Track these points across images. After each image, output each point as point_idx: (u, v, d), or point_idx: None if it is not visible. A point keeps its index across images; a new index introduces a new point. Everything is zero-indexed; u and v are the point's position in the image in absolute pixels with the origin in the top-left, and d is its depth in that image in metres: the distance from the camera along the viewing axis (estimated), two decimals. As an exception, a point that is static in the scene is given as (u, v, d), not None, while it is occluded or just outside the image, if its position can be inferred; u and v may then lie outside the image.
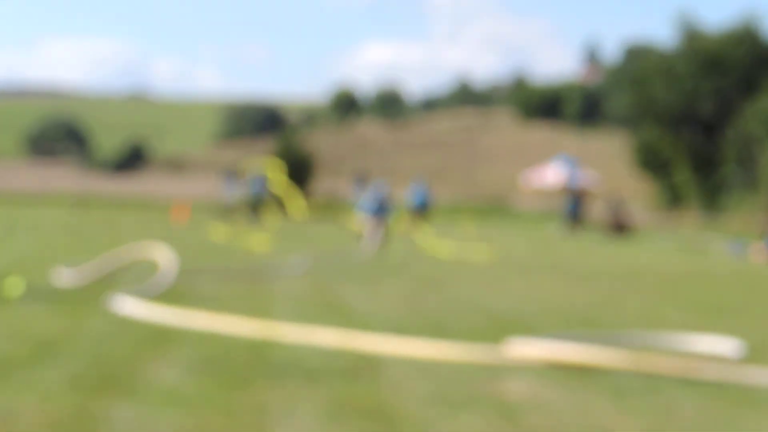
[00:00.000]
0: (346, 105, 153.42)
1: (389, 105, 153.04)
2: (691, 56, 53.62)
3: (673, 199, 56.60)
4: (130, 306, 8.63)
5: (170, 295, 9.79)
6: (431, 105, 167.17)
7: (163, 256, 12.09)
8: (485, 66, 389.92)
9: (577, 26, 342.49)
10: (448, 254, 19.62)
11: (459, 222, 41.16)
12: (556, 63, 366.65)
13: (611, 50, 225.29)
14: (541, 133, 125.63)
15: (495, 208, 60.25)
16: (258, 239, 22.56)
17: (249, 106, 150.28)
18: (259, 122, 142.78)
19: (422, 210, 32.37)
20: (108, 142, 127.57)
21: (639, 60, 66.58)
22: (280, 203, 43.26)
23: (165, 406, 4.99)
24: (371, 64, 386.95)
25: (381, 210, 21.98)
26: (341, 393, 5.49)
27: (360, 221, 22.21)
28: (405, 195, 36.06)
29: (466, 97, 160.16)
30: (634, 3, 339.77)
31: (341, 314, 9.13)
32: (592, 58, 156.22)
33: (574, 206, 38.68)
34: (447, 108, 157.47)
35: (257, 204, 31.27)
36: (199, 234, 24.33)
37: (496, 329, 8.38)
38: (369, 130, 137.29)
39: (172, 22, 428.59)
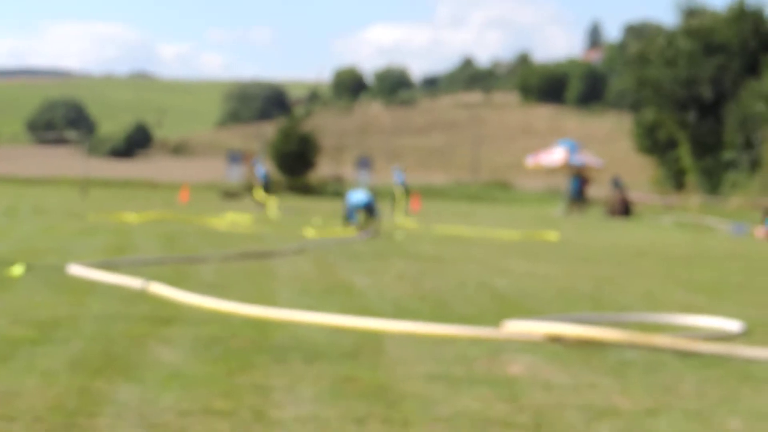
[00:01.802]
0: (349, 87, 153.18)
1: (393, 86, 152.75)
2: (691, 36, 53.34)
3: (676, 180, 56.49)
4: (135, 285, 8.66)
5: (175, 277, 9.79)
6: (435, 86, 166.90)
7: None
8: (489, 48, 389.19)
9: (582, 8, 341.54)
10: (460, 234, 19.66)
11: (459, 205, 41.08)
12: (560, 46, 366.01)
13: (615, 33, 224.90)
14: (544, 113, 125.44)
15: (498, 187, 60.10)
16: (239, 218, 22.89)
17: (253, 87, 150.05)
18: (263, 105, 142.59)
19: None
20: (112, 125, 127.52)
21: (639, 40, 66.18)
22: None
23: (167, 386, 5.01)
24: (376, 46, 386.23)
25: (369, 209, 20.31)
26: (343, 372, 5.51)
27: (345, 219, 20.67)
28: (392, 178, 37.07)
29: (470, 79, 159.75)
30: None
31: (345, 295, 9.14)
32: (595, 39, 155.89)
33: (577, 186, 38.70)
34: (450, 89, 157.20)
35: (267, 186, 31.11)
36: (199, 218, 24.36)
37: (500, 310, 8.39)
38: (373, 111, 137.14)
39: (176, 5, 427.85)
